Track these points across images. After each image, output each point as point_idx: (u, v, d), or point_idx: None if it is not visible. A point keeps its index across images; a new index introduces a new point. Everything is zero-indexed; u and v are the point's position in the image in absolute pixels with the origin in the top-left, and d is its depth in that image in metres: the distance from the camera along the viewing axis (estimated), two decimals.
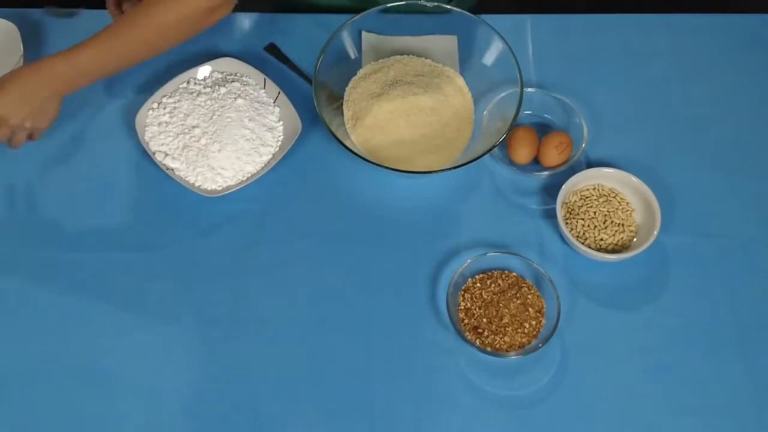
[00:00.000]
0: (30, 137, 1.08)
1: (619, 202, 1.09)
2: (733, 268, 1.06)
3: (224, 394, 0.98)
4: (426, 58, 1.20)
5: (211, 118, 1.11)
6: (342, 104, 1.16)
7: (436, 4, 1.16)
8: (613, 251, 1.06)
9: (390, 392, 0.98)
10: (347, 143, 1.07)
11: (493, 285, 1.03)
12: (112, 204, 1.10)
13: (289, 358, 1.00)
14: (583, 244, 1.05)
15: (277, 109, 1.15)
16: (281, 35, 1.24)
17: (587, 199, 1.09)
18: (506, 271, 1.05)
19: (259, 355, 1.00)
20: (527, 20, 1.26)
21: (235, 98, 1.13)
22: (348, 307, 1.03)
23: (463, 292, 1.03)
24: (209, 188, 1.08)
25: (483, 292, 1.03)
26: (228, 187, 1.08)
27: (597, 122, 1.16)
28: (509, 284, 1.03)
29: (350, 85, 1.17)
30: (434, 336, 1.01)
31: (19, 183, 1.12)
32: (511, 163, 1.13)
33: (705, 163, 1.14)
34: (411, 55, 1.20)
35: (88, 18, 1.25)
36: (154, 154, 1.10)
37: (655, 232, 1.03)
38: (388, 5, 1.16)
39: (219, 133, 1.10)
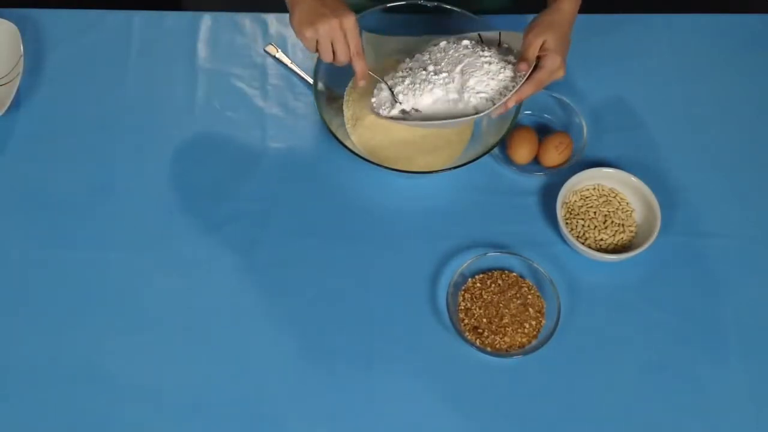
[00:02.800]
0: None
1: (619, 202, 1.09)
2: (733, 268, 1.06)
3: (224, 394, 0.98)
4: None
5: (447, 63, 1.06)
6: (342, 104, 1.16)
7: (436, 4, 1.16)
8: (613, 251, 1.06)
9: (390, 392, 0.98)
10: (347, 143, 1.07)
11: (493, 285, 1.03)
12: (112, 204, 1.10)
13: (289, 357, 1.00)
14: (583, 244, 1.05)
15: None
16: (281, 35, 1.24)
17: (587, 199, 1.09)
18: (506, 271, 1.05)
19: (259, 355, 1.00)
20: (527, 20, 1.25)
21: (459, 40, 1.09)
22: (348, 307, 1.03)
23: (463, 292, 1.03)
24: (481, 106, 1.02)
25: (483, 292, 1.03)
26: (494, 101, 1.03)
27: (597, 122, 1.16)
28: (509, 284, 1.03)
29: (350, 85, 1.17)
30: (434, 336, 1.01)
31: (19, 182, 1.12)
32: (511, 163, 1.13)
33: (705, 163, 1.14)
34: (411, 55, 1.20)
35: (88, 18, 1.25)
36: (409, 111, 1.05)
37: (655, 232, 1.03)
38: (389, 5, 1.16)
39: (462, 67, 1.05)
